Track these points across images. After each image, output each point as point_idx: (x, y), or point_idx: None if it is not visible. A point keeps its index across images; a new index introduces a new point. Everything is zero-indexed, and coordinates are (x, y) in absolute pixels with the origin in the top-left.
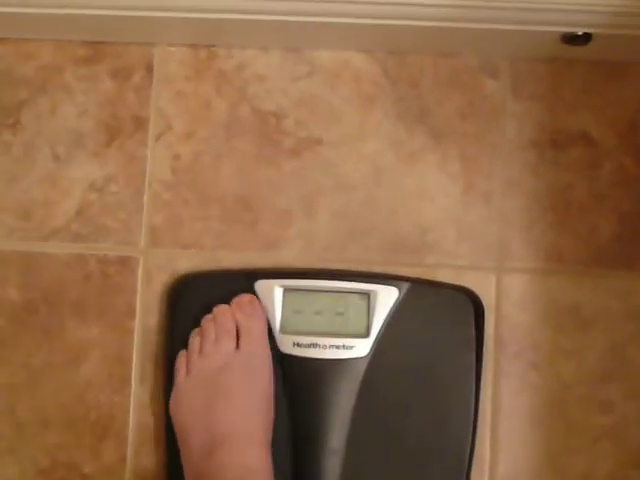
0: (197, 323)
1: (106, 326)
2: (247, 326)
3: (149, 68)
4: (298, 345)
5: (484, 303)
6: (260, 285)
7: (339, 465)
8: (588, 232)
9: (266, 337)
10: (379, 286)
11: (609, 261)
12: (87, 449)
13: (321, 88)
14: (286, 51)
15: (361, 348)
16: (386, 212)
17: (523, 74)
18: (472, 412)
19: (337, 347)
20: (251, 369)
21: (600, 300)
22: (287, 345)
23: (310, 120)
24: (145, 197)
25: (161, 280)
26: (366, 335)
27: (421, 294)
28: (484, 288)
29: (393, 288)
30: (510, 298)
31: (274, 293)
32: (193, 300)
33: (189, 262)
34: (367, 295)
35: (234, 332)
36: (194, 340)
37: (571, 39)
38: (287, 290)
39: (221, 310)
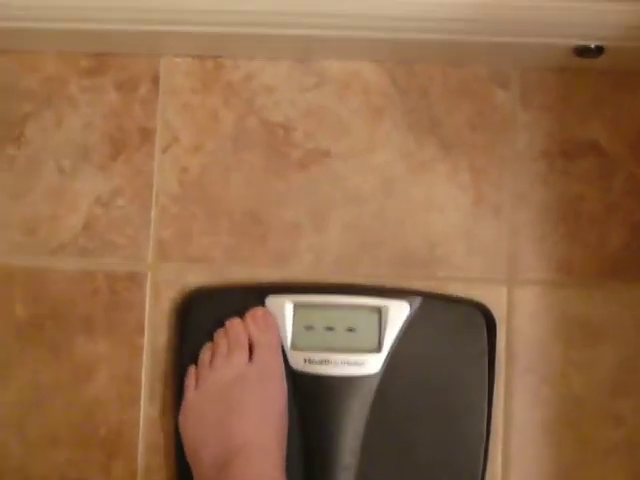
0: (207, 339)
1: (114, 342)
2: (261, 339)
3: (155, 80)
4: (309, 362)
5: (495, 316)
6: (271, 301)
7: None
8: (599, 243)
9: (280, 351)
10: (390, 301)
11: (620, 273)
12: (97, 467)
13: (330, 99)
14: (294, 61)
15: (373, 364)
16: (396, 225)
17: (533, 84)
18: (485, 426)
19: (349, 363)
20: (265, 382)
21: (611, 312)
22: (298, 362)
23: (319, 132)
24: (152, 211)
25: (170, 295)
26: (378, 351)
27: (433, 308)
28: (495, 301)
29: (404, 303)
30: (521, 311)
31: (285, 309)
32: (203, 315)
33: (198, 277)
34: (378, 310)
35: (247, 345)
36: (205, 354)
37: (583, 52)
38: (298, 306)
39: (234, 323)
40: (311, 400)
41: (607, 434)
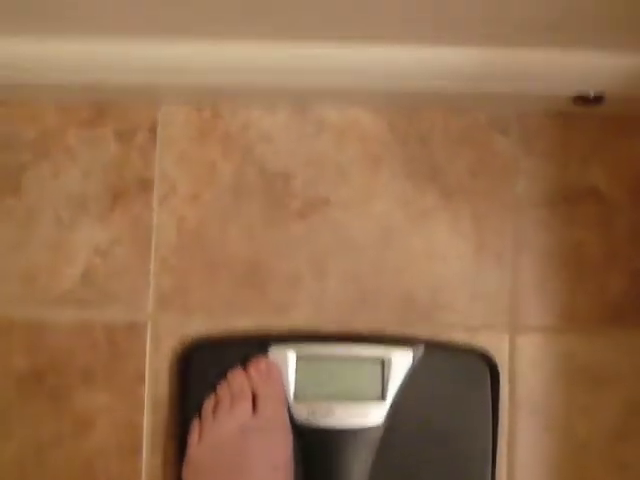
0: (209, 389)
1: (115, 393)
2: (265, 391)
3: (153, 129)
4: (313, 413)
5: (498, 363)
6: (273, 352)
7: None
8: (599, 290)
9: (284, 402)
10: (393, 350)
11: (622, 318)
12: None
13: (328, 147)
14: (292, 110)
15: (377, 415)
16: (396, 273)
17: (533, 130)
18: (490, 474)
19: (352, 415)
20: (269, 433)
21: (613, 358)
22: (301, 413)
23: (317, 180)
24: (151, 261)
25: (170, 345)
26: (381, 401)
27: (435, 357)
28: (497, 347)
29: (407, 352)
30: (523, 357)
31: (288, 360)
32: (205, 365)
33: (198, 327)
34: (381, 361)
35: (250, 397)
36: (208, 406)
37: (583, 101)
38: (301, 357)
39: (236, 375)
40: (315, 452)
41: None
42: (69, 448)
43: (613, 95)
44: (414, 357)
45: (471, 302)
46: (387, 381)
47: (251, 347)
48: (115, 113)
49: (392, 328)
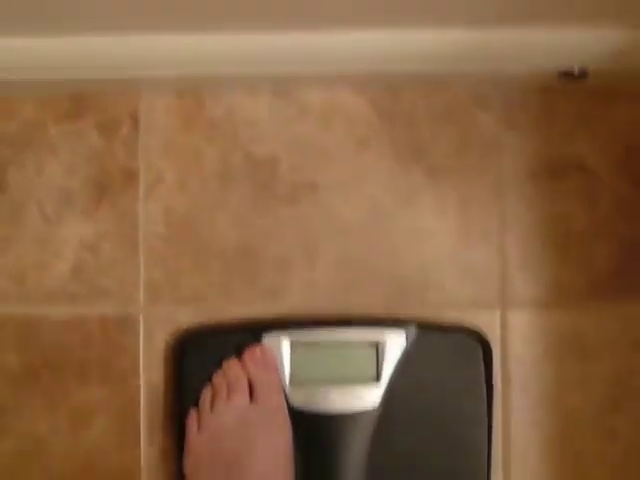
0: (205, 379)
1: (110, 387)
2: (261, 379)
3: (135, 119)
4: (308, 399)
5: (489, 339)
6: (267, 339)
7: None
8: (588, 262)
9: (281, 389)
10: (386, 333)
11: (610, 290)
12: None
13: (313, 130)
14: (275, 94)
15: (372, 397)
16: (386, 254)
17: (516, 105)
18: (486, 451)
19: (348, 399)
20: (268, 421)
21: (603, 329)
22: (297, 399)
23: (304, 164)
24: (140, 253)
25: (163, 337)
26: (376, 384)
27: (428, 338)
28: (488, 324)
29: (400, 334)
30: (515, 332)
31: (282, 347)
32: (199, 355)
33: (191, 317)
34: (375, 343)
35: (246, 386)
36: (205, 398)
37: (567, 76)
38: (295, 343)
39: (231, 364)
40: (312, 437)
41: (604, 449)
42: (67, 442)
43: (597, 70)
44: (407, 339)
45: (461, 281)
46: (381, 364)
47: (245, 335)
48: (95, 105)
49: (384, 309)
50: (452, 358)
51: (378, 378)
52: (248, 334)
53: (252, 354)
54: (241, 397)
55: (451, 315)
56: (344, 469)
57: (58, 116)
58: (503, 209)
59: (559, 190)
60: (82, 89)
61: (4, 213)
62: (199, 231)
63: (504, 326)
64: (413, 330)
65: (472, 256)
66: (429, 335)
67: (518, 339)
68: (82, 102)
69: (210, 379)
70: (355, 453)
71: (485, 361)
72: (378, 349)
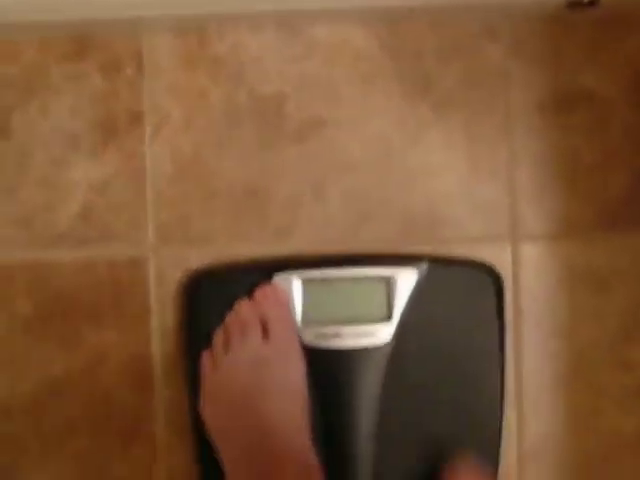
0: (216, 319)
1: (123, 328)
2: (274, 316)
3: (138, 60)
4: (321, 336)
5: (501, 274)
6: (278, 279)
7: (371, 451)
8: (599, 193)
9: (294, 325)
10: (397, 269)
11: (621, 221)
12: (116, 452)
13: (320, 67)
14: (281, 31)
15: (384, 333)
16: (396, 190)
17: (524, 35)
18: (499, 385)
19: (360, 335)
20: (283, 358)
21: (615, 260)
22: (310, 337)
23: (311, 102)
24: (148, 194)
25: (174, 278)
26: (388, 320)
27: (439, 273)
28: (500, 258)
29: (411, 269)
30: (526, 266)
31: (293, 286)
32: (210, 296)
33: (201, 257)
34: (386, 279)
35: (259, 324)
36: (218, 338)
37: (576, 5)
38: (306, 282)
39: (243, 304)
40: (325, 374)
41: (619, 380)
42: (83, 385)
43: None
44: (418, 274)
45: (471, 215)
46: (393, 300)
47: (255, 275)
48: (97, 46)
49: (394, 246)
50: (464, 293)
51: (390, 314)
52: (259, 274)
53: (263, 293)
54: (254, 335)
55: (462, 250)
56: (357, 405)
57: (61, 58)
58: (512, 142)
59: (568, 122)
60: (84, 31)
61: (11, 158)
62: (206, 171)
63: (515, 260)
64: (424, 266)
65: (482, 190)
66: (440, 270)
67: (529, 272)
68: (84, 44)
69: (222, 320)
70: (368, 389)
71: (497, 295)
72: (389, 285)
